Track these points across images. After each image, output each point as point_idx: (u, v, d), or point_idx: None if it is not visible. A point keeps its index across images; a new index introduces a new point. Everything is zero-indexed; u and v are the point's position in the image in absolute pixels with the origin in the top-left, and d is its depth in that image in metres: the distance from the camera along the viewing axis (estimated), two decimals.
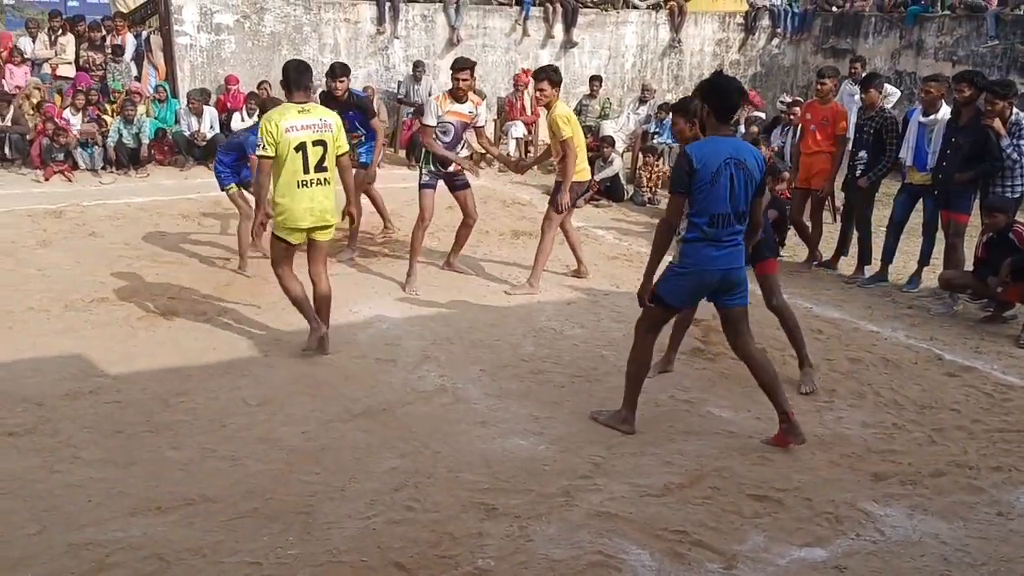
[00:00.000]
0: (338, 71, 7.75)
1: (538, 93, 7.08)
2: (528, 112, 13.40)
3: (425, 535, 3.80)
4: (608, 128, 12.55)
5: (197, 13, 12.83)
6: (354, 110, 7.84)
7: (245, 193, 7.68)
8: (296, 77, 5.54)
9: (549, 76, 6.95)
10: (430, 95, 8.95)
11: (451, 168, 7.34)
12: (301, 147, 5.40)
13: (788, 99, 12.08)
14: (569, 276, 7.73)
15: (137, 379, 5.37)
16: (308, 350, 5.76)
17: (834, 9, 16.14)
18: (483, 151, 8.65)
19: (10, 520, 3.83)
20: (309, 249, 5.77)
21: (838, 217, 9.10)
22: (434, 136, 7.16)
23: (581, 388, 5.46)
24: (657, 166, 11.36)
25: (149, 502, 4.00)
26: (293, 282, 5.71)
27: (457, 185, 7.48)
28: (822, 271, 8.34)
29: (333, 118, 5.63)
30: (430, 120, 7.14)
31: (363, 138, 8.04)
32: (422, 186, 7.29)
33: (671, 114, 5.82)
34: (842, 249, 8.46)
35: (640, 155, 12.09)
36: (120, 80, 12.47)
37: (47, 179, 10.90)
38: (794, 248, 8.75)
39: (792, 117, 9.99)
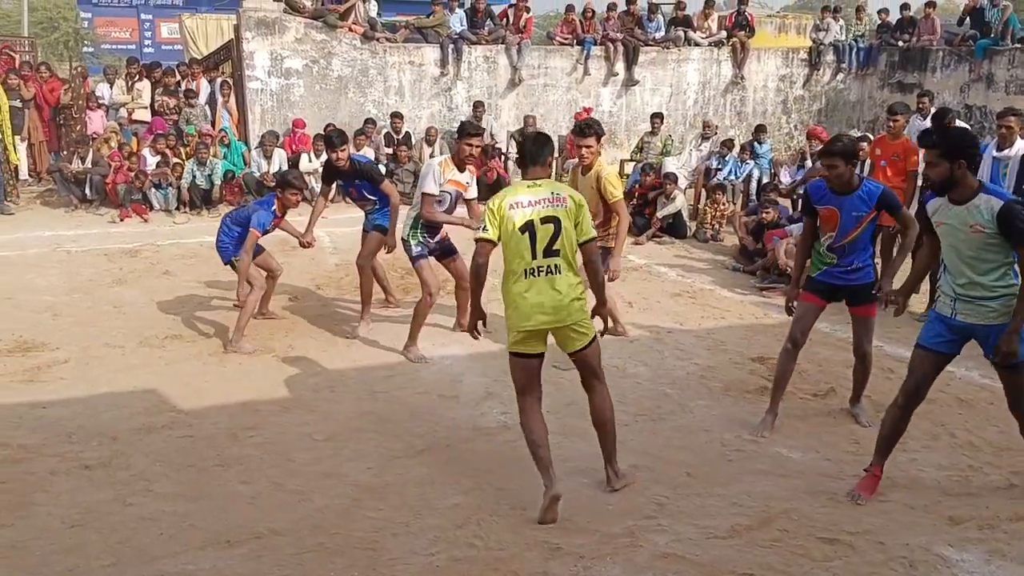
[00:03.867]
0: (336, 140, 6.98)
1: (585, 150, 6.20)
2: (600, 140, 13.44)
3: (488, 573, 3.79)
4: (670, 165, 12.52)
5: (268, 58, 13.25)
6: (360, 178, 7.11)
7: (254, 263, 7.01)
8: (536, 152, 4.48)
9: (597, 132, 6.25)
10: (432, 157, 8.09)
11: (438, 238, 6.73)
12: (527, 227, 4.28)
13: (856, 135, 11.92)
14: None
15: (208, 414, 5.49)
16: (540, 515, 4.27)
17: (900, 44, 15.94)
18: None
19: (85, 552, 3.93)
20: (576, 366, 4.58)
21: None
22: (433, 206, 6.45)
23: (644, 427, 5.41)
24: (722, 203, 11.28)
25: (219, 535, 4.06)
26: (529, 415, 4.42)
27: (446, 253, 6.83)
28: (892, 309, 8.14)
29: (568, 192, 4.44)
30: (432, 188, 6.39)
31: (377, 204, 7.21)
32: (416, 258, 6.55)
33: (828, 157, 5.06)
34: (914, 286, 8.25)
35: (704, 192, 12.04)
36: (195, 124, 12.90)
37: (123, 219, 11.29)
38: None
39: (861, 153, 9.84)
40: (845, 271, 5.23)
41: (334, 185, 7.47)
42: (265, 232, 6.85)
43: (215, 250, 7.13)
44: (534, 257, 4.27)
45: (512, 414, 5.50)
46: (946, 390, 6.02)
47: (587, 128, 6.25)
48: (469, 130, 6.43)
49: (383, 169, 12.43)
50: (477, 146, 6.42)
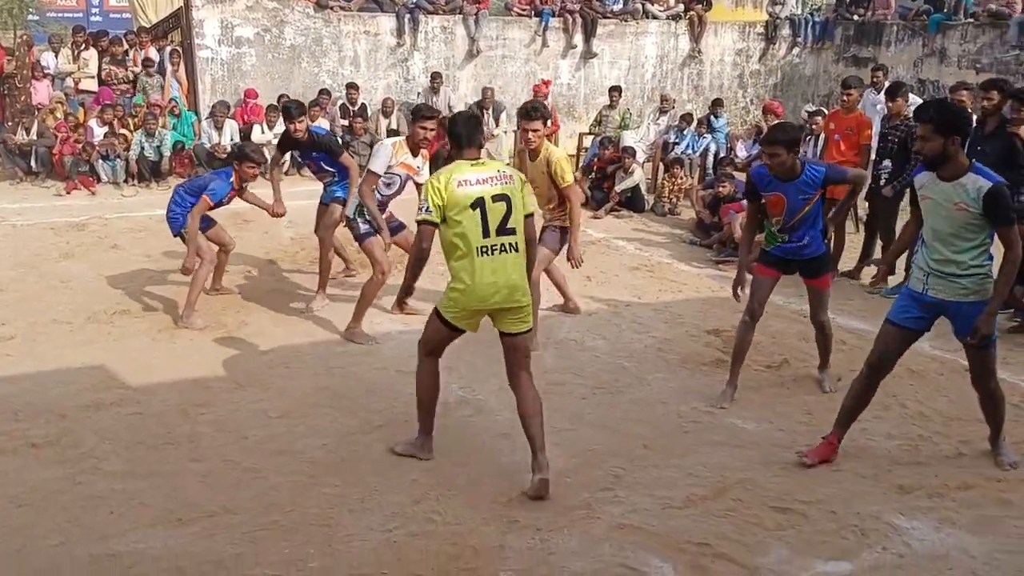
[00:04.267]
0: (294, 111, 6.87)
1: (532, 134, 5.95)
2: (548, 123, 13.38)
3: (446, 548, 3.78)
4: (628, 139, 12.52)
5: (218, 27, 12.95)
6: (318, 150, 7.02)
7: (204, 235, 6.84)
8: (469, 134, 4.40)
9: (544, 114, 6.05)
10: (385, 138, 7.73)
11: (384, 215, 6.49)
12: (478, 204, 4.19)
13: (811, 108, 12.03)
14: (555, 311, 7.03)
15: (158, 391, 5.39)
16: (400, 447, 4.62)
17: (855, 18, 16.05)
18: None
19: (33, 531, 3.85)
20: (504, 350, 4.43)
21: (861, 227, 9.03)
22: (373, 187, 6.26)
23: (602, 400, 5.42)
24: (680, 177, 11.31)
25: (170, 514, 4.00)
26: (432, 377, 4.52)
27: (393, 229, 6.59)
28: (845, 281, 8.25)
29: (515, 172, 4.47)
30: (378, 167, 6.19)
31: (335, 177, 7.10)
32: (363, 236, 6.35)
33: (770, 146, 5.10)
34: (865, 259, 8.38)
35: (661, 166, 12.06)
36: (152, 93, 12.59)
37: (69, 192, 11.02)
38: None
39: (815, 127, 9.93)
40: (798, 246, 5.30)
41: (287, 155, 7.32)
42: (219, 203, 6.69)
43: (165, 222, 6.96)
44: (486, 235, 4.17)
45: (472, 389, 5.51)
46: (898, 361, 6.11)
47: (534, 111, 5.98)
48: (424, 113, 6.23)
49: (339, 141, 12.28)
50: (431, 129, 6.19)
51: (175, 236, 6.92)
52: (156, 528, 3.89)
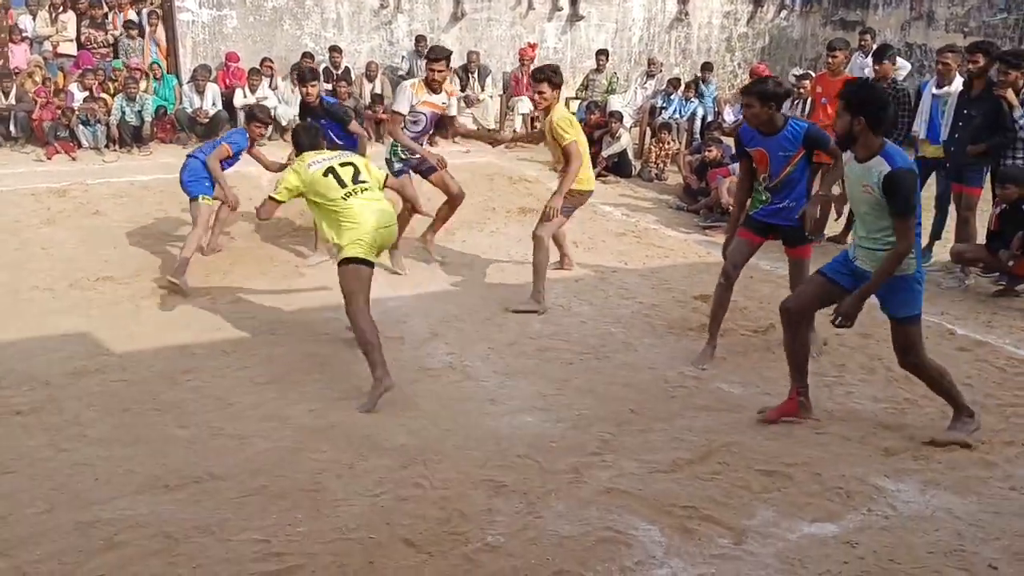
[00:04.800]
0: (307, 76, 7.28)
1: (537, 96, 6.35)
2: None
3: (434, 512, 3.79)
4: (615, 103, 12.43)
5: None
6: (328, 119, 7.15)
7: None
8: (311, 141, 5.41)
9: (549, 78, 6.26)
10: (405, 80, 8.19)
11: (417, 155, 6.92)
12: (329, 171, 5.08)
13: (799, 72, 11.96)
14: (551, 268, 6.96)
15: (143, 357, 5.37)
16: (369, 403, 4.80)
17: None
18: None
19: (18, 498, 3.84)
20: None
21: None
22: (403, 125, 6.78)
23: (589, 365, 5.43)
24: (667, 142, 11.25)
25: (156, 480, 3.99)
26: (369, 321, 4.91)
27: (426, 171, 7.02)
28: (832, 246, 8.26)
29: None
30: (403, 107, 6.73)
31: (343, 147, 7.07)
32: (396, 173, 6.71)
33: (745, 96, 5.21)
34: (851, 223, 8.38)
35: (648, 130, 11.99)
36: (134, 56, 12.38)
37: (49, 157, 10.86)
38: None
39: (802, 91, 9.88)
40: (777, 209, 5.27)
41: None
42: (238, 154, 7.08)
43: (147, 189, 6.92)
44: (344, 186, 5.03)
45: (459, 355, 5.50)
46: (884, 325, 6.13)
47: (539, 73, 6.31)
48: (433, 54, 6.82)
49: None
50: (440, 71, 6.72)
51: (194, 198, 6.95)
52: (142, 494, 3.88)
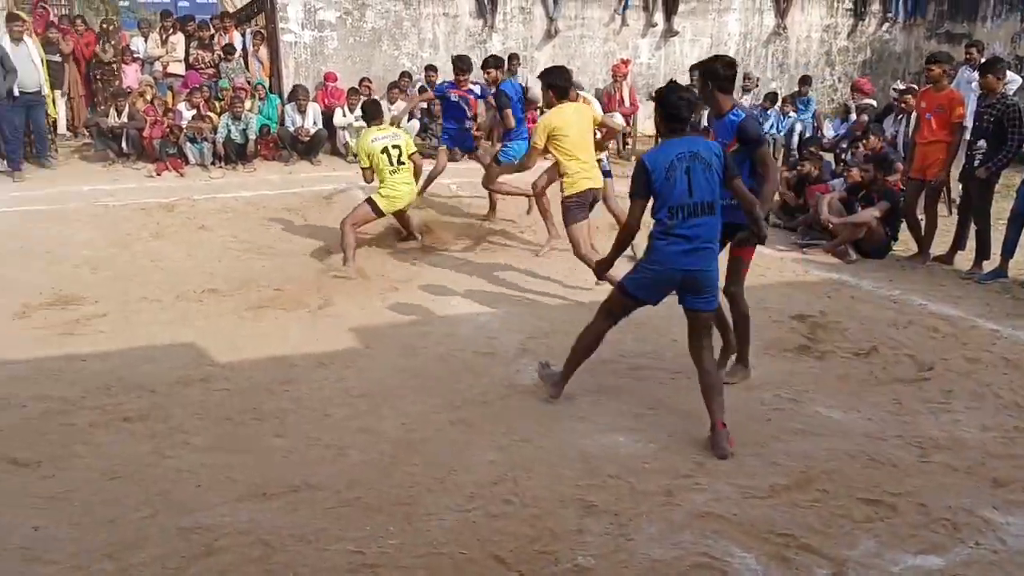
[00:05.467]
0: (489, 62, 8.81)
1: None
2: (627, 104, 13.25)
3: (524, 530, 3.78)
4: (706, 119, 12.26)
5: (301, 10, 13.13)
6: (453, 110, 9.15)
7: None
8: (375, 113, 7.92)
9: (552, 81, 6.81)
10: (526, 86, 9.44)
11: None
12: (384, 150, 7.59)
13: (902, 86, 11.59)
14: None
15: (244, 368, 5.52)
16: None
17: None
18: None
19: (125, 503, 3.98)
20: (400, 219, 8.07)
21: (954, 210, 8.68)
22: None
23: (681, 386, 5.33)
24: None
25: (255, 488, 4.09)
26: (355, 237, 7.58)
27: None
28: (937, 266, 7.96)
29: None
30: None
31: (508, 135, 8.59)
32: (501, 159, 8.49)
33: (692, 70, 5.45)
34: (959, 243, 8.06)
35: None
36: (235, 78, 12.85)
37: (159, 173, 11.33)
38: (907, 241, 8.38)
39: (905, 105, 9.58)
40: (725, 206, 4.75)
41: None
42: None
43: (251, 205, 7.16)
44: (391, 164, 7.59)
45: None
46: (992, 350, 5.89)
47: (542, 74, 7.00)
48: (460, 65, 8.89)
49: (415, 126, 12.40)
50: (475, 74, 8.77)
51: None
52: (242, 502, 3.98)
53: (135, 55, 13.23)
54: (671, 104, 4.54)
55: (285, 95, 12.90)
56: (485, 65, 8.77)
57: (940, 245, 8.14)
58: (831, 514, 3.92)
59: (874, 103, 12.12)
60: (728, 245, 5.14)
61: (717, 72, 5.02)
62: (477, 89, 9.10)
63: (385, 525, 3.81)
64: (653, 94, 4.75)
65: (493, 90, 8.63)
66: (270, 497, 4.02)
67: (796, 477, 4.24)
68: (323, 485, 4.13)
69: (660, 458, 4.43)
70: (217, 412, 4.90)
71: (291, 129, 12.35)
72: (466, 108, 9.16)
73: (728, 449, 4.45)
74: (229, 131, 11.78)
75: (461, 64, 9.00)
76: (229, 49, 13.12)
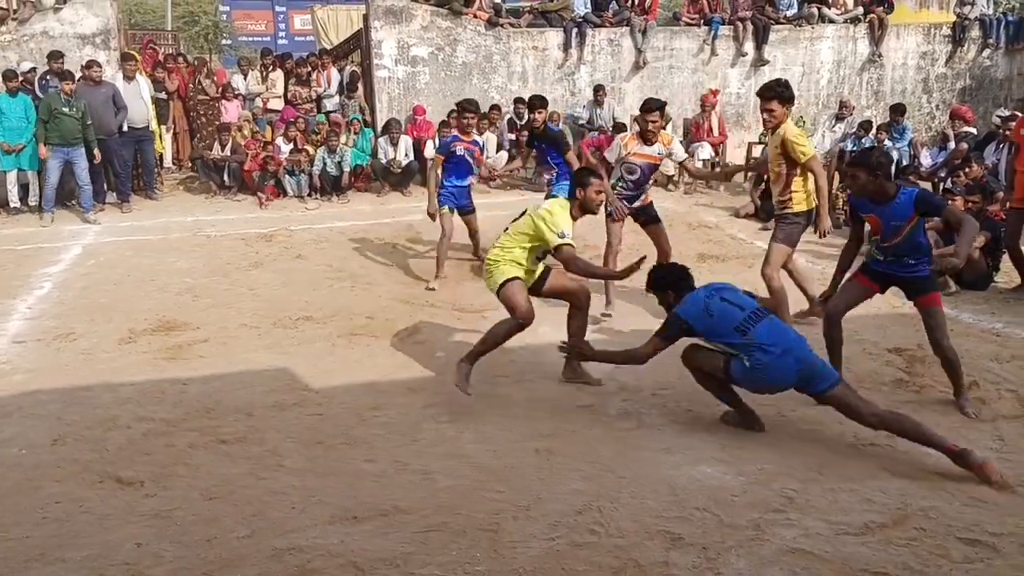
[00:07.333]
0: (536, 104, 8.21)
1: (766, 115, 6.34)
2: (715, 133, 13.17)
3: (609, 560, 3.76)
4: None
5: (395, 47, 13.50)
6: (548, 143, 8.22)
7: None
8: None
9: (780, 94, 6.22)
10: (615, 127, 9.55)
11: (637, 204, 7.39)
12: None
13: (1005, 113, 11.22)
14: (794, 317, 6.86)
15: (336, 393, 5.66)
16: None
17: None
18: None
19: (223, 523, 4.10)
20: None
21: None
22: (620, 175, 7.29)
23: (773, 418, 5.24)
24: None
25: (346, 511, 4.17)
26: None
27: (649, 219, 7.54)
28: (1014, 297, 7.64)
29: None
30: (611, 157, 7.45)
31: (557, 172, 8.34)
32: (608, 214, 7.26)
33: (850, 167, 5.34)
34: None
35: (837, 175, 11.57)
36: (346, 113, 13.33)
37: (261, 206, 11.73)
38: (1008, 272, 8.07)
39: (1008, 133, 9.26)
40: (897, 266, 5.29)
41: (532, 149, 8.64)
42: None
43: (344, 235, 7.34)
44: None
45: (633, 401, 5.45)
46: None
47: (768, 91, 6.35)
48: (647, 106, 7.20)
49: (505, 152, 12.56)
50: (653, 121, 7.09)
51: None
52: (334, 524, 4.07)
53: (236, 91, 13.80)
54: (673, 281, 5.13)
55: (379, 128, 13.25)
56: (532, 107, 8.31)
57: (1011, 273, 7.82)
58: (928, 553, 3.78)
59: (975, 131, 11.75)
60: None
61: (881, 163, 5.16)
62: (481, 140, 9.03)
63: (471, 551, 3.84)
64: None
65: (540, 129, 8.20)
66: (360, 520, 4.10)
67: (892, 514, 4.10)
68: (411, 509, 4.19)
69: (749, 491, 4.36)
70: (309, 436, 5.04)
71: (384, 161, 12.66)
72: (471, 161, 8.40)
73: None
74: (325, 164, 12.15)
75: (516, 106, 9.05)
76: (351, 86, 13.67)
